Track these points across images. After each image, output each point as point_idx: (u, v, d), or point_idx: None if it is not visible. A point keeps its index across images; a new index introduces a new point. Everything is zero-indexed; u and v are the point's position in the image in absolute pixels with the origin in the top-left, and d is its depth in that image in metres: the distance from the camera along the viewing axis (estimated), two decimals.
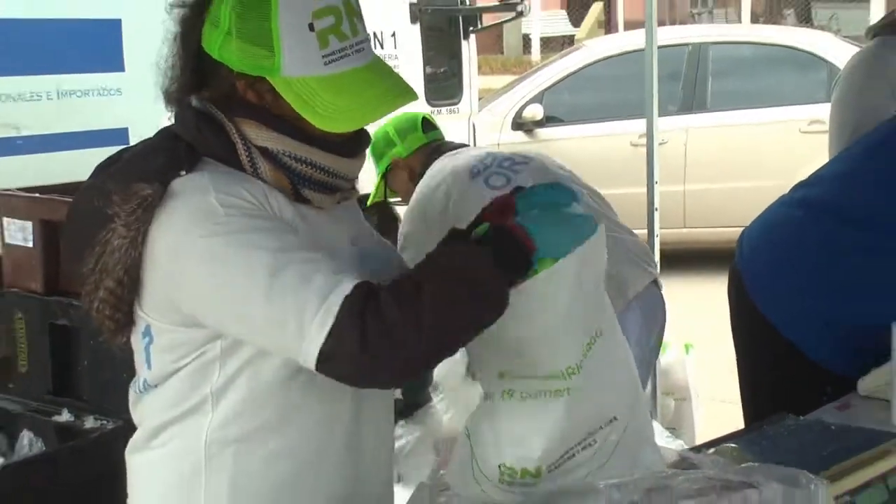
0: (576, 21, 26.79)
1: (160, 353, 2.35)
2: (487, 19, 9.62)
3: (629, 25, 21.83)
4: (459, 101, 9.09)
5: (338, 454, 2.34)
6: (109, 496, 2.53)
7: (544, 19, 25.51)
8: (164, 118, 2.52)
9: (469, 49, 9.10)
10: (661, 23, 10.03)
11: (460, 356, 2.57)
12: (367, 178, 2.79)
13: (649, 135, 6.38)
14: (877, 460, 2.70)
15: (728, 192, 10.72)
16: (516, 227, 2.21)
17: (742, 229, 4.23)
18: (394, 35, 8.13)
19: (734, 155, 11.29)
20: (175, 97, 2.42)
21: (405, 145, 4.74)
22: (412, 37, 8.52)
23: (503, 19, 10.10)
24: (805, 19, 24.74)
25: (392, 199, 4.84)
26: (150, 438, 2.43)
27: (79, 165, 2.51)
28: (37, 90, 6.24)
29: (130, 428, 2.49)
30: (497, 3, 9.12)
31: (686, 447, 3.61)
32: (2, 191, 5.15)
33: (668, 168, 9.07)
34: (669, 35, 12.01)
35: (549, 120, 11.57)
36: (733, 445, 2.81)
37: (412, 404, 4.60)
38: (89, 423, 4.48)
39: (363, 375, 2.20)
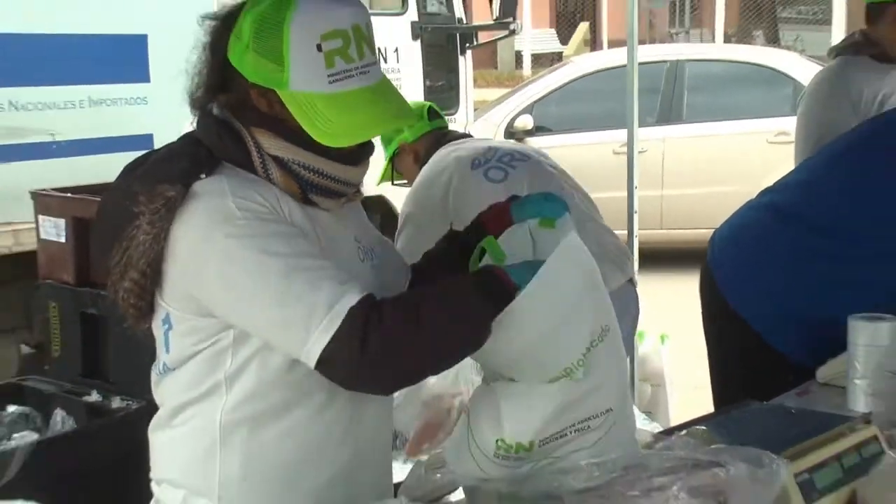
0: (564, 39, 26.76)
1: (178, 338, 2.36)
2: (483, 37, 9.62)
3: (612, 43, 21.84)
4: (456, 111, 9.08)
5: (341, 433, 2.35)
6: (134, 469, 2.54)
7: (535, 37, 25.46)
8: (186, 125, 2.53)
9: (466, 64, 9.10)
10: (642, 41, 9.99)
11: None
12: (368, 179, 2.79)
13: (630, 144, 6.39)
14: (832, 441, 2.70)
15: (701, 196, 10.72)
16: (502, 272, 2.25)
17: (713, 230, 4.24)
18: (397, 51, 8.14)
19: (707, 163, 11.29)
20: (199, 102, 2.44)
21: (412, 131, 4.68)
22: (414, 52, 8.52)
23: (497, 37, 10.09)
24: (773, 40, 24.71)
25: (397, 182, 4.81)
26: (171, 418, 2.44)
27: (108, 168, 2.52)
28: (70, 99, 6.23)
29: (153, 408, 2.50)
30: (491, 22, 9.09)
31: (660, 429, 3.61)
32: (38, 191, 5.16)
33: (647, 174, 9.08)
34: (649, 53, 12.00)
35: (538, 129, 11.56)
36: (703, 428, 2.80)
37: None
38: (116, 403, 4.49)
39: (357, 381, 2.23)
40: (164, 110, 6.26)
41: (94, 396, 4.58)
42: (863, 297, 3.40)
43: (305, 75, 2.28)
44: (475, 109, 10.35)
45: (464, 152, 4.57)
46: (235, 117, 2.38)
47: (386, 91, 2.37)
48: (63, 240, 4.94)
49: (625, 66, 6.43)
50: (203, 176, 2.31)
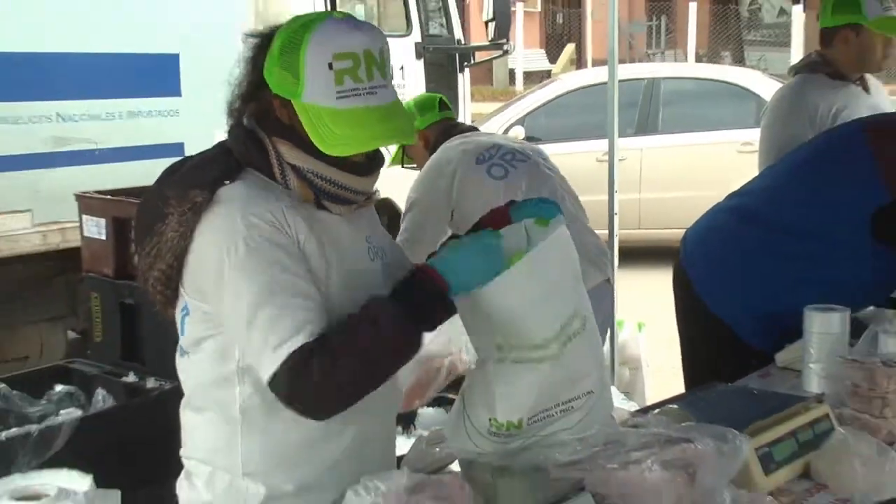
0: (552, 58, 26.72)
1: (191, 325, 2.38)
2: (479, 56, 9.60)
3: (596, 63, 21.87)
4: None
5: (353, 412, 2.35)
6: (167, 442, 2.54)
7: (526, 56, 25.43)
8: (213, 134, 2.54)
9: (464, 80, 9.08)
10: (622, 61, 9.96)
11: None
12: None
13: (611, 152, 6.39)
14: (789, 419, 2.70)
15: (675, 199, 10.69)
16: (433, 271, 2.23)
17: (686, 230, 4.24)
18: (402, 68, 8.12)
19: (680, 169, 11.27)
20: (235, 111, 2.46)
21: (423, 119, 4.69)
22: (417, 70, 8.52)
23: (492, 56, 10.05)
24: (739, 60, 24.69)
25: (407, 165, 4.79)
26: (194, 401, 2.47)
27: (144, 173, 2.53)
28: (111, 111, 6.24)
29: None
30: (487, 43, 9.07)
31: (637, 408, 3.61)
32: (82, 193, 5.16)
33: (627, 180, 9.07)
34: (628, 71, 11.98)
35: (529, 139, 11.49)
36: (675, 407, 2.80)
37: None
38: (150, 383, 4.49)
39: (290, 406, 2.24)
40: (193, 121, 6.28)
41: (132, 377, 4.59)
42: (817, 290, 3.40)
43: (316, 89, 2.29)
44: (472, 121, 10.34)
45: (471, 146, 4.55)
46: (261, 127, 2.40)
47: (392, 112, 2.35)
48: (104, 237, 4.94)
49: (606, 82, 6.42)
50: (227, 182, 2.34)
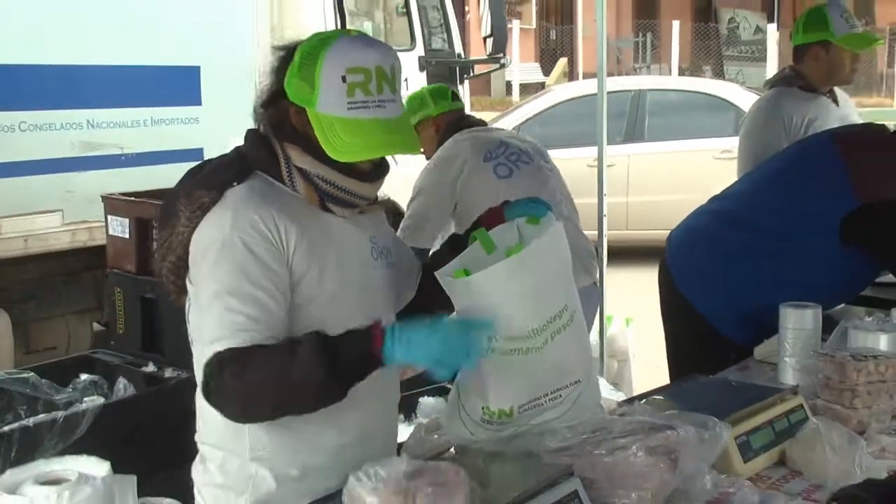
0: (546, 71, 26.70)
1: (193, 313, 2.37)
2: (478, 69, 9.57)
3: (587, 75, 21.85)
4: None
5: (358, 398, 2.32)
6: (184, 429, 2.52)
7: (522, 69, 25.39)
8: (230, 140, 2.54)
9: (464, 91, 9.06)
10: (610, 74, 9.97)
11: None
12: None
13: (600, 159, 6.38)
14: (766, 409, 2.70)
15: (660, 202, 10.67)
16: (378, 337, 2.14)
17: (670, 231, 4.22)
18: (406, 80, 8.10)
19: (665, 175, 11.27)
20: (258, 116, 2.47)
21: (436, 107, 4.66)
22: (420, 82, 8.49)
23: (490, 69, 10.03)
24: (719, 73, 24.67)
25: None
26: None
27: (165, 176, 2.53)
28: (136, 119, 6.22)
29: None
30: (485, 57, 9.05)
31: (624, 398, 3.59)
32: (108, 195, 5.16)
33: (615, 184, 9.05)
34: (617, 83, 12.01)
35: None
36: (660, 397, 2.79)
37: None
38: (169, 373, 4.48)
39: (205, 399, 2.25)
40: (212, 128, 6.28)
41: (151, 367, 4.58)
42: (792, 289, 3.39)
43: (330, 100, 2.29)
44: None
45: (480, 143, 4.51)
46: (275, 133, 2.41)
47: (399, 125, 2.35)
48: (127, 236, 4.93)
49: (596, 94, 6.41)
50: (236, 184, 2.37)
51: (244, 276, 2.25)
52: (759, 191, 3.96)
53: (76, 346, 5.77)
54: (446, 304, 2.45)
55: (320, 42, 2.32)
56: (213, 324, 2.22)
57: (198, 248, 2.32)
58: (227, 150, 2.51)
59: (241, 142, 2.49)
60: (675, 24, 23.94)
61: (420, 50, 8.64)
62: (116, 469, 2.14)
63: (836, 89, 5.10)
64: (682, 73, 23.77)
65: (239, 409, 2.22)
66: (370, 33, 8.55)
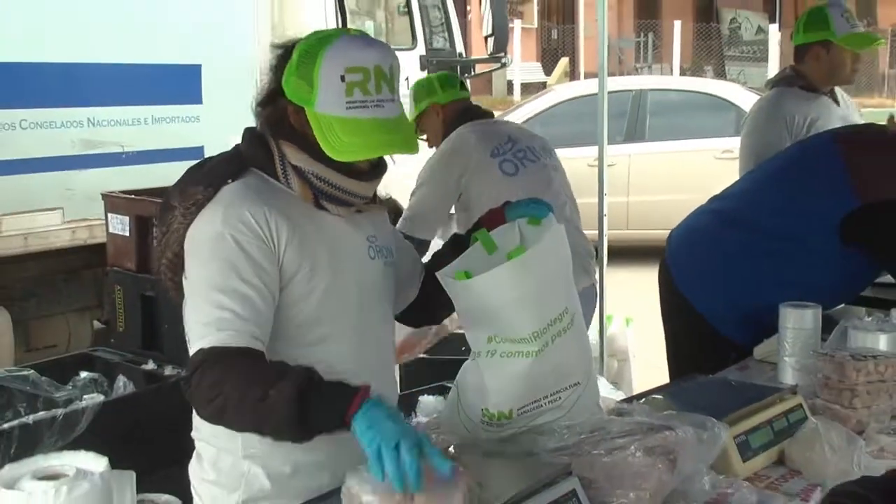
0: (548, 71, 26.69)
1: (186, 309, 2.36)
2: (479, 68, 9.56)
3: (588, 75, 21.85)
4: None
5: (348, 377, 2.32)
6: (183, 426, 2.52)
7: (523, 69, 25.38)
8: (231, 138, 2.54)
9: None
10: (611, 74, 9.98)
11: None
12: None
13: (600, 158, 6.39)
14: (765, 409, 2.70)
15: (660, 202, 10.67)
16: (357, 403, 2.05)
17: (670, 231, 4.22)
18: (407, 79, 8.09)
19: (665, 175, 11.28)
20: (256, 109, 2.47)
21: (445, 95, 4.59)
22: None
23: (491, 68, 10.02)
24: (720, 74, 24.67)
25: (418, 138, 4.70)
26: None
27: (166, 174, 2.53)
28: (137, 117, 6.22)
29: None
30: (486, 57, 9.05)
31: (624, 397, 3.59)
32: (108, 192, 5.16)
33: (616, 184, 9.07)
34: (618, 83, 12.00)
35: None
36: (659, 396, 2.79)
37: None
38: (168, 370, 4.49)
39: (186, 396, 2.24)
40: (213, 127, 6.27)
41: (151, 365, 4.58)
42: (792, 289, 3.39)
43: (328, 99, 2.29)
44: None
45: (488, 137, 4.46)
46: (271, 131, 2.41)
47: (396, 124, 2.34)
48: (127, 234, 4.93)
49: (597, 93, 6.41)
50: (230, 181, 2.38)
51: (234, 272, 2.25)
52: (760, 190, 3.96)
53: (77, 344, 5.78)
54: (448, 304, 2.46)
55: (319, 41, 2.32)
56: (200, 319, 2.22)
57: (191, 244, 2.33)
58: (228, 149, 2.51)
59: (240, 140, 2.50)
60: (677, 24, 23.94)
61: (421, 49, 8.64)
62: (116, 466, 2.15)
63: (837, 90, 5.10)
64: (683, 73, 23.78)
65: (208, 413, 2.20)
66: (371, 32, 8.54)
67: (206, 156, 2.60)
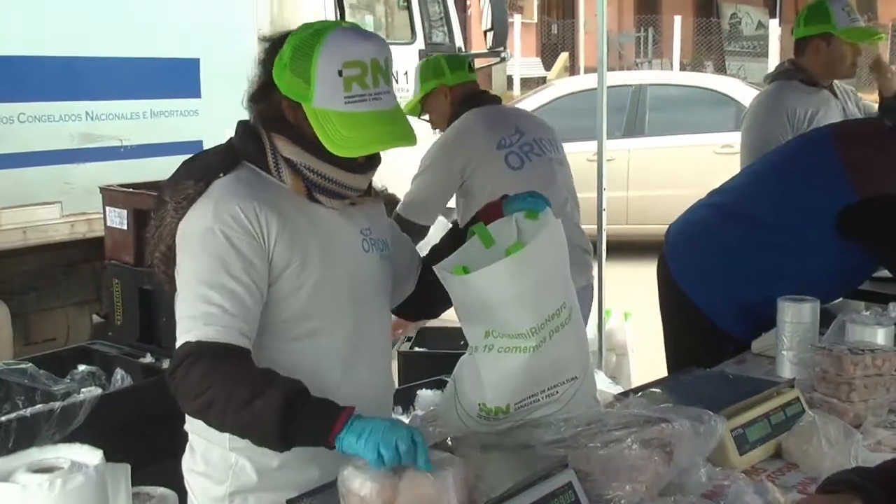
0: (547, 66, 26.64)
1: (176, 303, 2.36)
2: (479, 63, 9.55)
3: (588, 70, 21.82)
4: None
5: (340, 391, 2.32)
6: (180, 420, 2.52)
7: (523, 64, 25.34)
8: (229, 133, 2.54)
9: None
10: (612, 69, 9.97)
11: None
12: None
13: (600, 153, 6.38)
14: (762, 402, 2.71)
15: (659, 197, 10.68)
16: (342, 421, 2.08)
17: (669, 225, 4.21)
18: (406, 74, 8.08)
19: (665, 169, 11.27)
20: (249, 104, 2.46)
21: (454, 76, 4.52)
22: None
23: (491, 63, 10.02)
24: (720, 68, 24.64)
25: (422, 118, 4.63)
26: None
27: (164, 168, 2.53)
28: (135, 111, 6.22)
29: None
30: (486, 51, 9.04)
31: (622, 391, 3.60)
32: (106, 186, 5.15)
33: (615, 179, 9.07)
34: (617, 78, 12.01)
35: None
36: (657, 390, 2.79)
37: None
38: (166, 364, 4.45)
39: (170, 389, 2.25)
40: (211, 121, 6.26)
41: (149, 358, 4.57)
42: (790, 283, 3.39)
43: (326, 94, 2.28)
44: None
45: (496, 127, 4.40)
46: (264, 125, 2.41)
47: (394, 116, 2.35)
48: (125, 227, 4.93)
49: (596, 88, 6.40)
50: (222, 175, 2.37)
51: (223, 268, 2.25)
52: (759, 184, 3.96)
53: (76, 338, 5.77)
54: (445, 298, 2.46)
55: (312, 36, 2.31)
56: (188, 313, 2.22)
57: (182, 238, 2.33)
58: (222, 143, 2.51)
59: None
60: (677, 19, 23.92)
61: (420, 43, 8.63)
62: (113, 459, 2.15)
63: (843, 84, 5.10)
64: (683, 68, 23.74)
65: (192, 408, 2.21)
66: (371, 27, 8.55)
67: (205, 149, 2.60)
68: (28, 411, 3.76)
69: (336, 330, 2.42)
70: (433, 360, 4.75)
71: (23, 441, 3.62)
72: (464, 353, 2.49)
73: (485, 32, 8.76)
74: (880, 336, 3.03)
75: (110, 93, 6.11)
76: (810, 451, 2.54)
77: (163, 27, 6.32)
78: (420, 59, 8.44)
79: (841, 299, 3.91)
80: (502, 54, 9.05)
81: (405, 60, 8.13)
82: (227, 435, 2.36)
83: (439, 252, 2.61)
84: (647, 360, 6.22)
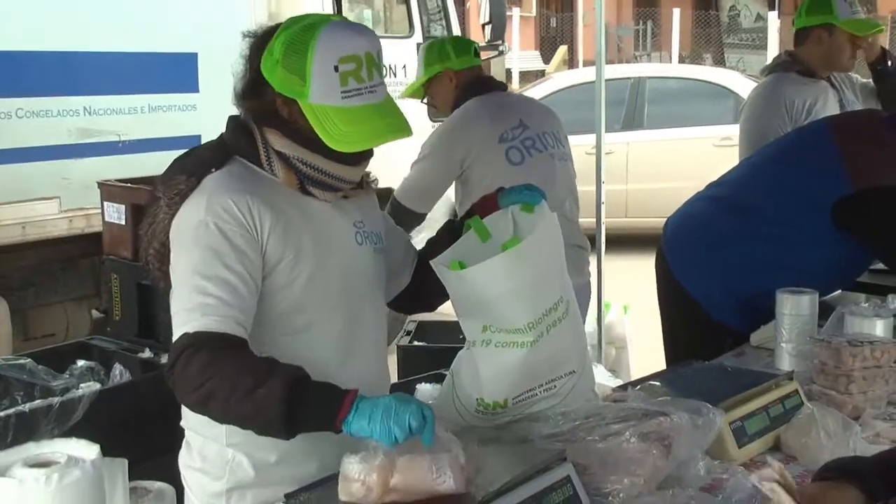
0: (546, 59, 26.62)
1: (171, 298, 2.35)
2: None
3: (587, 63, 21.81)
4: None
5: (336, 364, 2.32)
6: (177, 415, 2.52)
7: (522, 57, 25.30)
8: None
9: None
10: (610, 62, 9.96)
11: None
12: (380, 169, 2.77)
13: (598, 146, 6.38)
14: (761, 395, 2.70)
15: (658, 190, 10.68)
16: (347, 405, 2.05)
17: (667, 218, 4.21)
18: (405, 67, 8.08)
19: (664, 162, 11.28)
20: (238, 101, 2.45)
21: (460, 61, 4.43)
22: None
23: (489, 56, 10.01)
24: (719, 61, 24.63)
25: (425, 101, 4.60)
26: None
27: (162, 163, 2.52)
28: (134, 105, 6.22)
29: None
30: (484, 44, 9.03)
31: (621, 384, 3.59)
32: (104, 181, 5.14)
33: (614, 172, 9.07)
34: (616, 71, 12.03)
35: None
36: (656, 383, 2.78)
37: None
38: (164, 359, 4.44)
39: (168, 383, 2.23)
40: (210, 115, 6.24)
41: (147, 353, 4.56)
42: (788, 275, 3.39)
43: (323, 90, 2.27)
44: None
45: (499, 118, 4.32)
46: (256, 120, 2.40)
47: (389, 108, 2.34)
48: (123, 222, 4.91)
49: (595, 81, 6.40)
50: (214, 170, 2.37)
51: (217, 259, 2.24)
52: (756, 177, 3.96)
53: (75, 333, 5.78)
54: (441, 292, 2.45)
55: (304, 31, 2.29)
56: (184, 306, 2.21)
57: (175, 233, 2.32)
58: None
59: None
60: (676, 11, 23.87)
61: (419, 37, 8.62)
62: (112, 454, 2.14)
63: (838, 76, 5.09)
64: (682, 60, 23.71)
65: (192, 400, 2.18)
66: (369, 21, 8.54)
67: (198, 145, 2.59)
68: (27, 406, 3.76)
69: (330, 323, 2.41)
70: (432, 354, 4.75)
71: (21, 436, 3.61)
72: (463, 347, 2.49)
73: (483, 26, 8.77)
74: (879, 328, 3.03)
75: (108, 88, 6.11)
76: (809, 443, 2.54)
77: (161, 22, 6.32)
78: (418, 52, 8.48)
79: (839, 291, 3.91)
80: (500, 48, 9.05)
81: (403, 54, 8.13)
82: (223, 431, 2.35)
83: (435, 246, 2.60)
84: (647, 353, 6.21)
